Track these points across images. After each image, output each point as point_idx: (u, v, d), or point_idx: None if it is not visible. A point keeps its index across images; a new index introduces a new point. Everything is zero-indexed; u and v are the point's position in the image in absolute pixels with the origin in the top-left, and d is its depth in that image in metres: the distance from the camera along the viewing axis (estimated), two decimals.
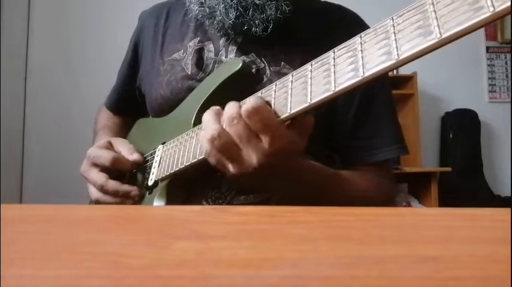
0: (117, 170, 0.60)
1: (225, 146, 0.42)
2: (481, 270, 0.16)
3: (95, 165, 0.60)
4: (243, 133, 0.41)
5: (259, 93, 0.44)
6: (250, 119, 0.40)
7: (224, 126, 0.42)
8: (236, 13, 0.59)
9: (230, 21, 0.59)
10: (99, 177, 0.59)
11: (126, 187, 0.58)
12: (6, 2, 2.29)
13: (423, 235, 0.21)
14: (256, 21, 0.59)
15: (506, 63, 2.79)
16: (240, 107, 0.42)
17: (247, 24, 0.59)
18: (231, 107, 0.42)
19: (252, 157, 0.42)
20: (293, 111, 0.39)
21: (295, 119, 0.41)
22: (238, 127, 0.41)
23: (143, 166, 0.63)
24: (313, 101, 0.37)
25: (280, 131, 0.41)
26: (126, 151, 0.61)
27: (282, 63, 0.62)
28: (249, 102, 0.41)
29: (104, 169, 0.60)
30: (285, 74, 0.59)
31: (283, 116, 0.40)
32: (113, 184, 0.58)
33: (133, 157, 0.60)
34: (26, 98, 2.43)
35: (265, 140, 0.41)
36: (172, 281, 0.15)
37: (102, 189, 0.58)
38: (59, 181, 2.22)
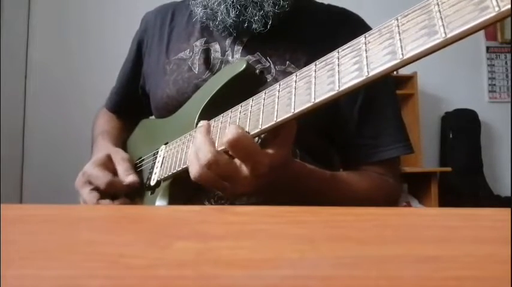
0: (111, 192, 0.60)
1: (209, 182, 0.45)
2: (481, 270, 0.16)
3: (90, 183, 0.60)
4: (222, 173, 0.43)
5: (263, 94, 0.44)
6: (233, 149, 0.42)
7: (203, 170, 0.44)
8: (236, 12, 0.60)
9: (231, 20, 0.61)
10: (90, 198, 0.59)
11: (118, 201, 0.59)
12: (6, 2, 2.29)
13: (423, 235, 0.21)
14: (256, 18, 0.61)
15: (506, 63, 2.79)
16: (213, 145, 0.44)
17: (247, 22, 0.61)
18: (205, 150, 0.44)
19: (234, 187, 0.44)
20: (297, 110, 0.39)
21: (276, 132, 0.42)
22: (215, 170, 0.43)
23: (146, 166, 0.63)
24: (317, 100, 0.37)
25: (260, 156, 0.42)
26: (123, 171, 0.60)
27: (287, 62, 0.62)
28: (230, 132, 0.42)
29: (98, 188, 0.59)
30: (290, 73, 0.59)
31: (286, 116, 0.40)
32: (105, 203, 0.58)
33: (129, 179, 0.59)
34: (26, 98, 2.43)
35: (247, 169, 0.43)
36: (172, 281, 0.15)
37: None
38: (59, 181, 2.22)
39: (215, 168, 0.43)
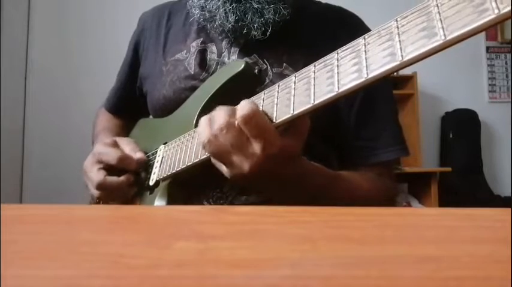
0: (122, 168, 0.60)
1: (216, 152, 0.43)
2: (481, 270, 0.16)
3: (100, 162, 0.60)
4: (233, 141, 0.42)
5: (262, 94, 0.44)
6: (246, 125, 0.41)
7: (215, 134, 0.43)
8: (235, 17, 0.60)
9: (230, 25, 0.60)
10: (98, 175, 0.59)
11: (124, 176, 0.59)
12: (6, 2, 2.29)
13: (423, 235, 0.21)
14: (255, 25, 0.60)
15: (506, 63, 2.79)
16: (230, 114, 0.42)
17: (246, 28, 0.60)
18: (220, 115, 0.43)
19: (243, 162, 0.42)
20: (296, 112, 0.38)
21: (291, 122, 0.41)
22: (228, 135, 0.42)
23: (145, 166, 0.63)
24: (317, 101, 0.37)
25: (273, 137, 0.41)
26: (130, 150, 0.61)
27: (284, 64, 0.62)
28: (245, 107, 0.41)
29: (106, 166, 0.60)
30: (287, 75, 0.59)
31: (285, 117, 0.40)
32: (111, 179, 0.59)
33: (138, 155, 0.60)
34: (26, 98, 2.43)
35: (257, 146, 0.41)
36: (172, 281, 0.15)
37: (101, 186, 0.59)
38: (59, 181, 2.22)
39: (225, 134, 0.41)
